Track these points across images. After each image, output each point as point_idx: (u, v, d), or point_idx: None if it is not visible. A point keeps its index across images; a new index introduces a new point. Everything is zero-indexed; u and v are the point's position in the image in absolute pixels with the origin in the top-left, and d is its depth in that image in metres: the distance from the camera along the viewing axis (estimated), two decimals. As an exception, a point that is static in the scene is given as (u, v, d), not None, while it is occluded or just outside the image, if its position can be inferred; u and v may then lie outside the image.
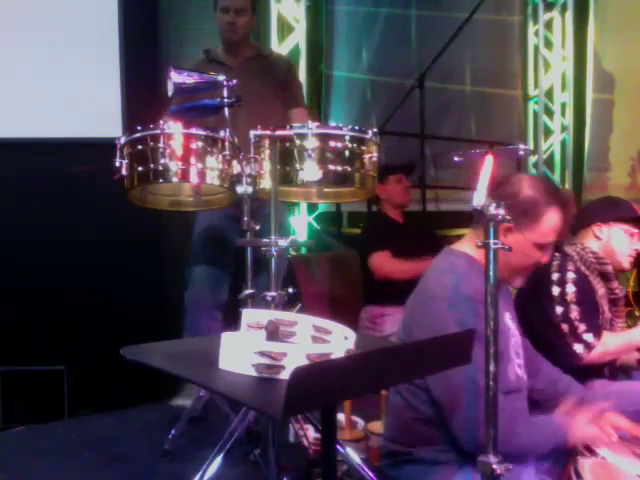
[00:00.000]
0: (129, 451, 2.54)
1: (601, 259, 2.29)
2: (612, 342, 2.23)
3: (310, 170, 1.92)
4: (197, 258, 2.91)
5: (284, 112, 2.86)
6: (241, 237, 2.71)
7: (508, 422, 1.47)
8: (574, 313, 2.19)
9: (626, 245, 2.33)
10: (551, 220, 1.73)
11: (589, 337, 2.17)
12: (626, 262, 2.35)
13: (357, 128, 2.00)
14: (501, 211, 1.25)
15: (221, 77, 2.07)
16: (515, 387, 1.70)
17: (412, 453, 1.71)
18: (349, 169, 1.96)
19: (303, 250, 4.40)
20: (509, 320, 1.78)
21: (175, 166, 2.00)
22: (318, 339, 1.30)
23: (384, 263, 3.38)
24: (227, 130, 2.03)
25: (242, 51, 2.89)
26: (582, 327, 2.17)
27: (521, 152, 1.42)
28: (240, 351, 1.13)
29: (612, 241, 2.32)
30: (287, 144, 1.92)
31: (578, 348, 2.16)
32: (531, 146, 6.22)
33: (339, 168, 1.95)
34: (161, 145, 1.98)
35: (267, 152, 1.99)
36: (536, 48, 6.34)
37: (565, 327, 2.18)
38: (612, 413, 1.73)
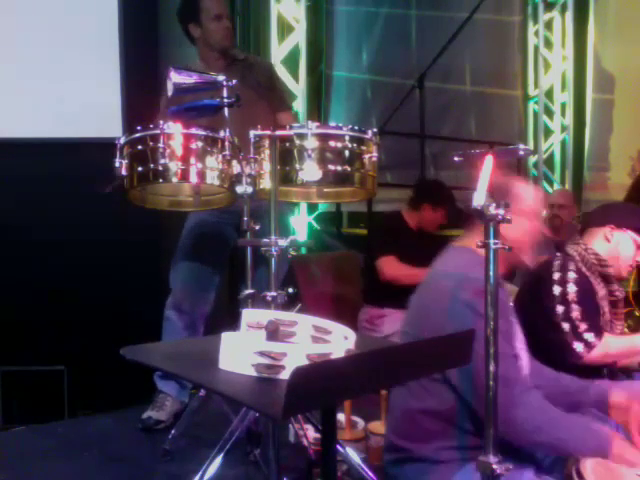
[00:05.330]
0: (129, 451, 2.54)
1: (603, 261, 2.29)
2: (614, 344, 2.23)
3: (310, 170, 1.92)
4: (183, 262, 2.74)
5: (269, 114, 2.76)
6: (239, 237, 2.69)
7: (507, 385, 1.48)
8: (575, 312, 2.18)
9: (631, 254, 2.32)
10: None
11: (590, 336, 2.17)
12: (625, 271, 2.35)
13: (357, 128, 1.99)
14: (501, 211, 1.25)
15: (221, 77, 2.06)
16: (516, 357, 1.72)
17: (413, 450, 1.71)
18: (349, 169, 1.96)
19: (303, 250, 4.40)
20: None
21: (175, 166, 2.00)
22: (318, 339, 1.30)
23: (390, 267, 3.37)
24: (227, 130, 2.03)
25: (220, 59, 2.81)
26: (583, 326, 2.17)
27: (521, 152, 1.42)
28: (240, 351, 1.13)
29: (620, 247, 2.31)
30: (287, 144, 1.92)
31: (578, 347, 2.16)
32: (531, 146, 6.22)
33: (339, 168, 1.95)
34: (161, 145, 1.98)
35: (267, 152, 1.99)
36: (536, 48, 6.35)
37: (566, 326, 2.18)
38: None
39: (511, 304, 1.99)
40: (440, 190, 3.61)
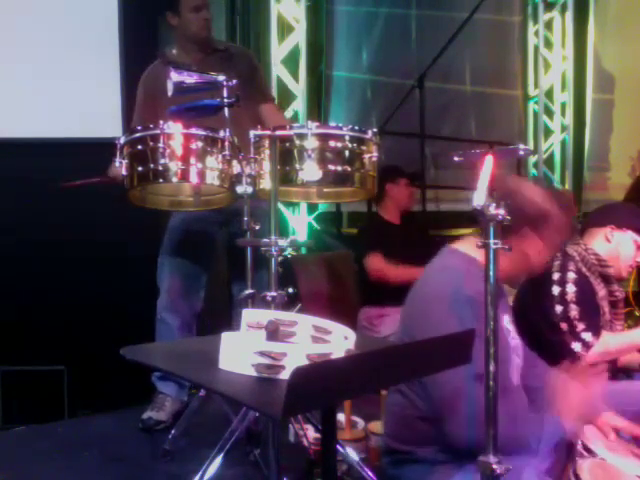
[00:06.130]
0: (129, 451, 2.54)
1: (603, 261, 2.29)
2: (613, 342, 2.23)
3: (310, 170, 1.92)
4: (171, 261, 2.73)
5: (250, 107, 2.68)
6: (227, 236, 2.67)
7: (513, 423, 1.47)
8: (573, 312, 2.19)
9: (631, 254, 2.33)
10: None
11: (587, 336, 2.17)
12: (625, 271, 2.35)
13: (357, 128, 2.00)
14: (501, 211, 1.24)
15: (221, 77, 2.06)
16: (517, 388, 1.70)
17: (412, 452, 1.71)
18: (349, 169, 1.96)
19: (303, 250, 4.40)
20: (508, 323, 1.78)
21: (175, 166, 2.00)
22: (318, 339, 1.30)
23: (377, 266, 3.40)
24: (227, 130, 2.03)
25: (199, 48, 2.77)
26: (581, 326, 2.18)
27: (521, 152, 1.42)
28: (240, 351, 1.13)
29: (620, 247, 2.32)
30: (287, 144, 1.92)
31: (576, 347, 2.16)
32: (531, 146, 6.22)
33: (339, 168, 1.95)
34: (161, 145, 1.98)
35: (267, 152, 1.99)
36: (536, 48, 6.35)
37: (564, 326, 2.18)
38: (610, 413, 1.73)
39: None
40: (390, 167, 3.64)
